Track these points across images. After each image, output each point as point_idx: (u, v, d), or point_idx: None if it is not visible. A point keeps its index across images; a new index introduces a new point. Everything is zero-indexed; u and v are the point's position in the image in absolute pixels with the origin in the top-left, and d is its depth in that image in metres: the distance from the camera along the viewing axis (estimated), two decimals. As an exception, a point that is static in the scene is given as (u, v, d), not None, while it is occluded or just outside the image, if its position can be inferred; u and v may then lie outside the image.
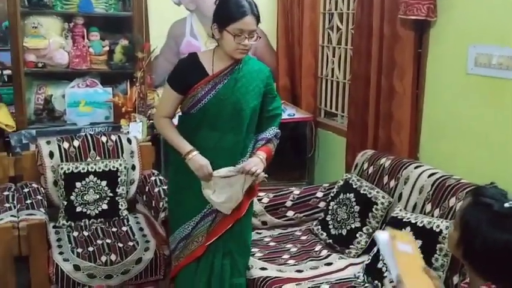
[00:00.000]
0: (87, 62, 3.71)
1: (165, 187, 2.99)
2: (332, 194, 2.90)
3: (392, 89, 2.87)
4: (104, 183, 3.05)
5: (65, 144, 3.13)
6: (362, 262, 2.52)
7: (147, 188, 3.16)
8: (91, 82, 3.76)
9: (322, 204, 2.97)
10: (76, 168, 3.03)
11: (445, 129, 2.68)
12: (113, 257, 2.68)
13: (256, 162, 2.29)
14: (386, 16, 2.87)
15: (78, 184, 3.01)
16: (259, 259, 2.59)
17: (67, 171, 3.01)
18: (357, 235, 2.64)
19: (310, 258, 2.64)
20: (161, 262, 2.74)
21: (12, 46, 3.50)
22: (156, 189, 3.06)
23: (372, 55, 3.00)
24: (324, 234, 2.79)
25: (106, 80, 3.84)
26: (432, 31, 2.73)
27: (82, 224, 3.00)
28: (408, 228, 2.28)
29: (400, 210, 2.46)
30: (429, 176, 2.49)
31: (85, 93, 3.71)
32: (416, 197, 2.50)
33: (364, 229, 2.63)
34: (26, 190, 2.97)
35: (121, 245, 2.79)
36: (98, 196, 3.04)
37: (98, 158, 3.15)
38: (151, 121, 3.44)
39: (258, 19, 2.21)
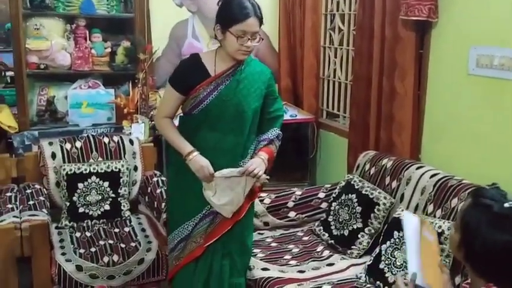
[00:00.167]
0: (89, 64, 3.72)
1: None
2: (333, 195, 2.90)
3: (393, 90, 2.88)
4: (106, 184, 3.06)
5: (68, 145, 3.13)
6: (364, 263, 2.52)
7: (149, 188, 3.16)
8: (93, 83, 3.77)
9: (324, 205, 2.97)
10: (78, 169, 3.04)
11: (447, 129, 2.68)
12: (115, 257, 2.69)
13: (258, 163, 2.29)
14: (388, 17, 2.87)
15: (80, 185, 3.02)
16: (261, 260, 2.60)
17: (69, 172, 3.02)
18: (359, 236, 2.64)
19: (312, 259, 2.64)
20: (163, 263, 2.74)
21: (14, 48, 3.51)
22: (158, 190, 3.07)
23: (374, 56, 3.00)
24: (326, 234, 2.79)
25: (108, 81, 3.84)
26: (433, 32, 2.73)
27: (84, 224, 3.01)
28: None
29: (402, 211, 2.46)
30: (431, 176, 2.49)
31: (87, 94, 3.72)
32: (418, 197, 2.50)
33: (366, 230, 2.63)
34: (28, 191, 2.98)
35: (123, 245, 2.80)
36: (100, 197, 3.05)
37: (100, 159, 3.15)
38: (153, 122, 3.45)
39: (261, 21, 2.21)
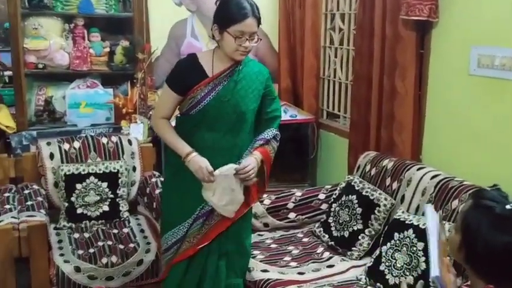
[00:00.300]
0: (87, 63, 3.70)
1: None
2: (334, 196, 2.88)
3: (394, 90, 2.86)
4: (104, 184, 3.04)
5: (66, 146, 3.12)
6: (364, 264, 2.51)
7: (148, 189, 3.15)
8: (91, 83, 3.75)
9: (324, 206, 2.95)
10: (77, 169, 3.02)
11: (448, 130, 2.67)
12: (114, 258, 2.67)
13: (251, 162, 2.26)
14: (388, 17, 2.86)
15: (79, 185, 3.00)
16: (260, 261, 2.58)
17: (67, 173, 3.00)
18: (360, 237, 2.62)
19: (312, 261, 2.62)
20: (162, 264, 2.72)
21: (12, 47, 3.49)
22: (157, 191, 3.05)
23: (374, 56, 2.99)
24: (326, 236, 2.78)
25: (107, 81, 3.83)
26: (434, 32, 2.72)
27: (83, 225, 2.99)
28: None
29: (403, 212, 2.45)
30: (432, 177, 2.48)
31: (86, 94, 3.70)
32: (419, 198, 2.49)
33: (366, 231, 2.62)
34: (26, 191, 2.96)
35: (121, 246, 2.78)
36: (98, 198, 3.03)
37: (98, 159, 3.14)
38: (152, 122, 3.43)
39: (259, 21, 2.19)
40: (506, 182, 1.77)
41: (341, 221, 2.73)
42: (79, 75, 3.74)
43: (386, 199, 2.59)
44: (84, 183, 3.01)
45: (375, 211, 2.59)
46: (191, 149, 2.25)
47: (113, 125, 3.73)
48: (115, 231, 2.97)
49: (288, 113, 3.76)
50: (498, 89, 2.35)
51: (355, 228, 2.65)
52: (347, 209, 2.72)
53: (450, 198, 2.31)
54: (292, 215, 2.96)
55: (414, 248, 2.24)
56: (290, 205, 2.95)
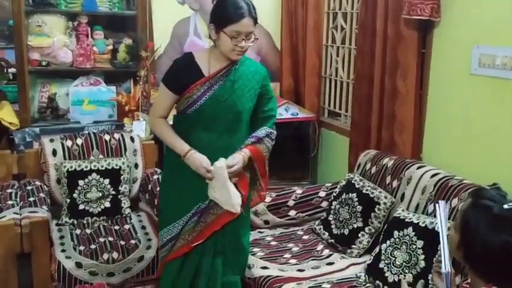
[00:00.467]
0: (91, 61, 3.71)
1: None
2: (334, 194, 2.89)
3: (395, 89, 2.87)
4: (107, 181, 3.06)
5: (68, 143, 3.14)
6: (364, 262, 2.51)
7: (150, 186, 3.16)
8: (94, 81, 3.76)
9: (324, 204, 2.96)
10: (79, 166, 3.04)
11: (448, 129, 2.67)
12: (115, 254, 2.69)
13: (236, 158, 2.25)
14: (390, 16, 2.86)
15: (81, 182, 3.02)
16: (260, 258, 2.59)
17: (70, 169, 3.02)
18: (359, 235, 2.63)
19: (312, 258, 2.64)
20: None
21: (16, 44, 3.51)
22: (159, 188, 3.05)
23: (376, 55, 2.99)
24: (326, 233, 2.79)
25: (110, 78, 3.84)
26: (436, 31, 2.72)
27: (85, 221, 3.01)
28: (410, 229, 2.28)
29: (402, 210, 2.46)
30: (432, 176, 2.48)
31: (89, 91, 3.71)
32: (419, 197, 2.49)
33: (366, 229, 2.62)
34: (29, 188, 2.98)
35: (123, 243, 2.80)
36: (100, 194, 3.05)
37: (101, 156, 3.15)
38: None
39: (255, 21, 2.18)
40: (506, 182, 1.79)
41: (341, 219, 2.74)
42: (82, 72, 3.75)
43: (386, 197, 2.60)
44: (86, 180, 3.03)
45: (375, 209, 2.60)
46: (189, 147, 2.25)
47: (116, 122, 3.74)
48: (117, 227, 2.99)
49: (290, 111, 3.77)
50: (499, 88, 2.36)
51: (355, 226, 2.66)
52: (347, 207, 2.73)
53: (450, 197, 2.32)
54: (292, 213, 2.97)
55: (414, 246, 2.25)
56: (291, 203, 2.96)
